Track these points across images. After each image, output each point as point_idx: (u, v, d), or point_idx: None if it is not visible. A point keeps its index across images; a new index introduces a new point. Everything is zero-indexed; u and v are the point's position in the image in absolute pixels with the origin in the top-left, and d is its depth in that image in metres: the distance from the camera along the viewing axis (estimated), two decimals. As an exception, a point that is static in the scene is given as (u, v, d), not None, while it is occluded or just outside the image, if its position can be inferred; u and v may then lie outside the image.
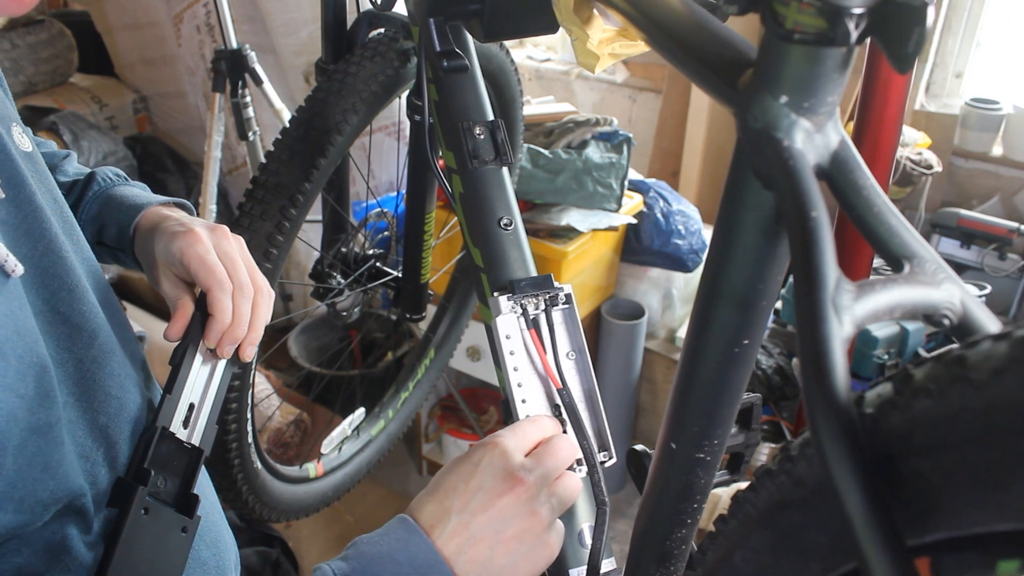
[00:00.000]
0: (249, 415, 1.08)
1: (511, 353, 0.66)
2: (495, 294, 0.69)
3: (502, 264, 0.77)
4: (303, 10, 2.05)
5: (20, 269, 0.49)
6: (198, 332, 0.66)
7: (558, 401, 0.66)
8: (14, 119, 0.60)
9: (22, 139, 0.59)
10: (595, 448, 0.66)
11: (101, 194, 0.76)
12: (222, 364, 0.68)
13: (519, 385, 0.66)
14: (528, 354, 0.67)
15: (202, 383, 0.66)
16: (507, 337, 0.67)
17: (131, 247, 0.72)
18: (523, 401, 0.66)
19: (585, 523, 0.69)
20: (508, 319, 0.67)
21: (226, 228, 0.70)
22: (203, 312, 0.66)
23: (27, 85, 2.36)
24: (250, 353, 0.68)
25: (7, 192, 0.53)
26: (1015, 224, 1.94)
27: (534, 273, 0.77)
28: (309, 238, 1.30)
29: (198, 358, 0.66)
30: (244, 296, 0.66)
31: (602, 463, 0.67)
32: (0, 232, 0.52)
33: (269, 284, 0.70)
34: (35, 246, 0.54)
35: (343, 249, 1.35)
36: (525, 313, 0.68)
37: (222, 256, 0.66)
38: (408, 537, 0.57)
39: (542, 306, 0.69)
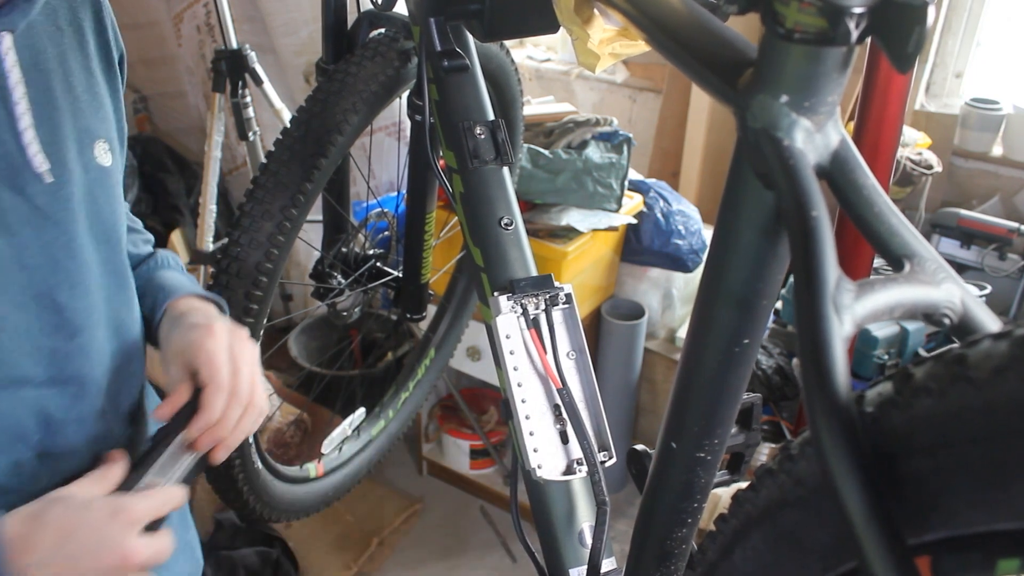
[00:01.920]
0: (249, 415, 1.08)
1: (511, 353, 0.66)
2: (495, 294, 0.69)
3: (502, 264, 0.77)
4: (303, 10, 2.05)
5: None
6: (184, 421, 0.67)
7: (558, 401, 0.66)
8: (100, 135, 0.66)
9: (104, 154, 0.65)
10: (595, 448, 0.66)
11: (152, 271, 0.80)
12: (193, 457, 0.69)
13: (519, 385, 0.66)
14: (528, 354, 0.67)
15: (169, 467, 0.67)
16: (507, 337, 0.67)
17: (156, 327, 0.75)
18: (523, 401, 0.66)
19: (585, 523, 0.69)
20: (508, 319, 0.67)
21: (246, 332, 0.72)
22: (194, 404, 0.67)
23: (27, 85, 2.36)
24: (222, 456, 0.70)
25: (55, 177, 0.59)
26: (1015, 224, 1.94)
27: (534, 273, 0.77)
28: (309, 238, 1.30)
29: (176, 443, 0.67)
30: (238, 403, 0.68)
31: (602, 463, 0.67)
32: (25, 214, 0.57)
33: (264, 401, 0.72)
34: (57, 237, 0.60)
35: (343, 249, 1.35)
36: (525, 313, 0.68)
37: (232, 359, 0.68)
38: None
39: (542, 306, 0.69)
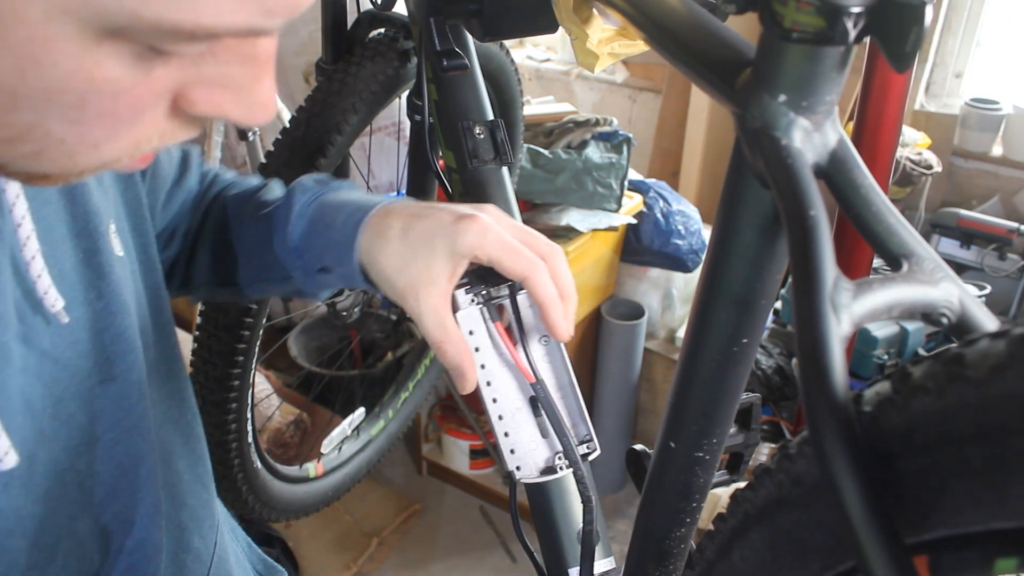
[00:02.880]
0: (249, 415, 1.08)
1: (476, 350, 0.60)
2: (456, 289, 0.61)
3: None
4: (303, 10, 2.05)
5: (12, 459, 0.43)
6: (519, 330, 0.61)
7: (532, 394, 0.62)
8: (112, 215, 0.54)
9: (115, 240, 0.54)
10: (574, 443, 0.62)
11: (304, 214, 0.65)
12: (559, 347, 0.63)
13: (488, 384, 0.61)
14: (496, 348, 0.61)
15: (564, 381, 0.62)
16: (470, 333, 0.60)
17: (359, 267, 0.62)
18: (494, 400, 0.62)
19: (584, 522, 0.69)
20: (469, 313, 0.60)
21: (487, 204, 0.61)
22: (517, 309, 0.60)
23: (27, 85, 2.36)
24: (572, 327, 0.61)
25: (75, 312, 0.48)
26: (1015, 224, 1.94)
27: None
28: (309, 238, 1.30)
29: (541, 354, 0.61)
30: (558, 262, 0.59)
31: (584, 455, 0.62)
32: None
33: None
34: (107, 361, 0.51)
35: (343, 249, 1.35)
36: (488, 303, 0.61)
37: (511, 231, 0.58)
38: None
39: (504, 291, 0.61)
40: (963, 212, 2.01)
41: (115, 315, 0.51)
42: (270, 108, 0.38)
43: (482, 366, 0.61)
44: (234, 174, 0.75)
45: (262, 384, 1.99)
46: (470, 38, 0.88)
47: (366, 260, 0.60)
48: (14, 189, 0.44)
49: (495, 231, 0.56)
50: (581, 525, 0.69)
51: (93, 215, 0.51)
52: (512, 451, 0.62)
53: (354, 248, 0.60)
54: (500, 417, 0.62)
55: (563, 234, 1.78)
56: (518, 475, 0.62)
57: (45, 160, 0.35)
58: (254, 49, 0.36)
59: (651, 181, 2.01)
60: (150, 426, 0.55)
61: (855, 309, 0.34)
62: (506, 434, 0.62)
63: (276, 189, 0.70)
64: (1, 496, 0.43)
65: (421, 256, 0.57)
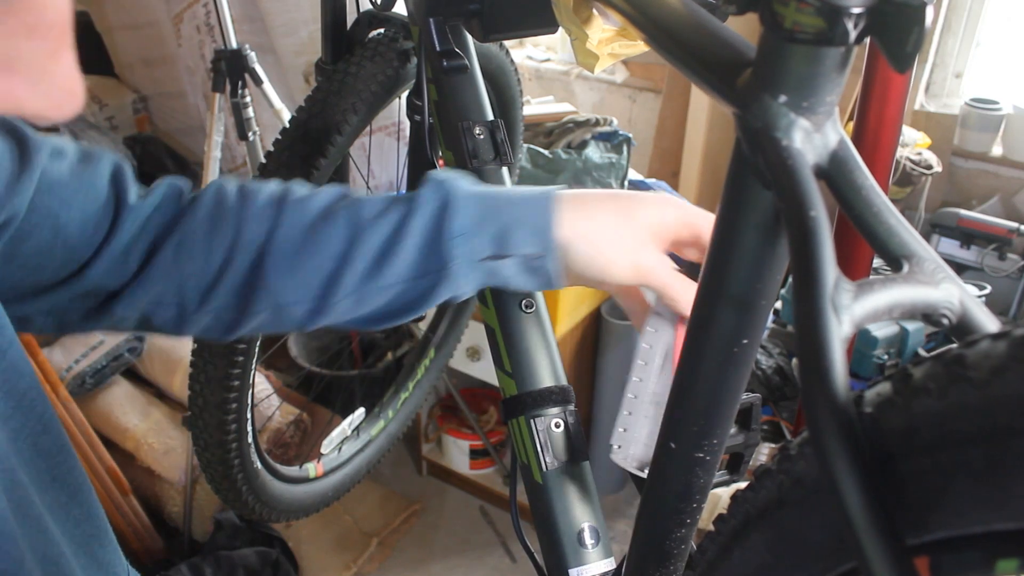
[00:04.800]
0: (249, 415, 1.08)
1: (654, 331, 0.61)
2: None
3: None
4: (303, 10, 2.05)
5: None
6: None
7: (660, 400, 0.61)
8: None
9: None
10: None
11: (469, 198, 0.60)
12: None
13: (643, 363, 0.61)
14: (668, 338, 0.61)
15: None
16: (649, 346, 0.61)
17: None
18: (639, 380, 0.62)
19: (585, 523, 0.69)
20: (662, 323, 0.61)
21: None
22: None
23: (27, 85, 2.36)
24: None
25: None
26: (1015, 224, 1.94)
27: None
28: (309, 238, 1.30)
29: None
30: None
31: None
32: None
33: None
34: None
35: (343, 249, 1.35)
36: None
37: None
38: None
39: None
40: (963, 212, 2.01)
41: None
42: (77, 93, 0.31)
43: (650, 346, 0.62)
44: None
45: (262, 384, 1.99)
46: (470, 38, 0.88)
47: (569, 233, 0.58)
48: None
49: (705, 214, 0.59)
50: (582, 526, 0.69)
51: None
52: (624, 430, 0.63)
53: (551, 222, 0.58)
54: (634, 397, 0.62)
55: (563, 234, 1.78)
56: (614, 452, 0.63)
57: None
58: (41, 16, 0.29)
59: (651, 181, 2.01)
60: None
61: (856, 310, 0.34)
62: (629, 413, 0.63)
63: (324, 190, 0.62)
64: None
65: (640, 222, 0.59)
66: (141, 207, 0.58)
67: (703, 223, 0.59)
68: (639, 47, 0.68)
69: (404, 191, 1.22)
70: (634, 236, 0.59)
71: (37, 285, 0.55)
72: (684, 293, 0.58)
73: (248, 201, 0.59)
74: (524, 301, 0.75)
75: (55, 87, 0.30)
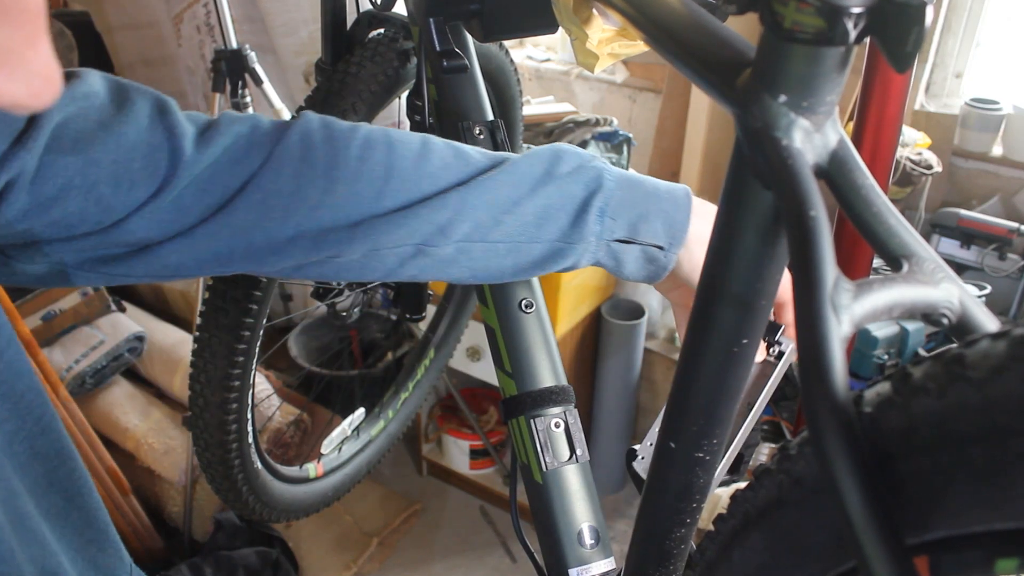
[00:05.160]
0: (249, 415, 1.08)
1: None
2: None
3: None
4: (303, 10, 2.05)
5: None
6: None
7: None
8: None
9: None
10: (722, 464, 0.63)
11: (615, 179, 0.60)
12: None
13: None
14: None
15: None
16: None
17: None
18: None
19: (584, 523, 0.69)
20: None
21: None
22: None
23: (27, 85, 2.36)
24: None
25: None
26: (1015, 224, 1.94)
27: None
28: (309, 238, 1.30)
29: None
30: None
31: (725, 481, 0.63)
32: None
33: None
34: None
35: (343, 249, 1.35)
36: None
37: None
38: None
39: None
40: (963, 212, 2.01)
41: None
42: (54, 81, 0.30)
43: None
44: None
45: (262, 384, 1.99)
46: (470, 38, 0.88)
47: (693, 234, 0.59)
48: None
49: None
50: (582, 526, 0.69)
51: None
52: (651, 444, 0.63)
53: (687, 218, 0.59)
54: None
55: (563, 234, 1.78)
56: (637, 461, 0.64)
57: None
58: (16, 2, 0.28)
59: (651, 181, 2.01)
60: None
61: (855, 310, 0.34)
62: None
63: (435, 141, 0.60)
64: None
65: None
66: (198, 160, 0.53)
67: None
68: (639, 47, 0.68)
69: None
70: None
71: (70, 236, 0.52)
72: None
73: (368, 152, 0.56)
74: (524, 301, 0.75)
75: (32, 75, 0.29)
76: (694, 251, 0.60)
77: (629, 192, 0.59)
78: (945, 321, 0.37)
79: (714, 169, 2.32)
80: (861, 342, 1.75)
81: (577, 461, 0.71)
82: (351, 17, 1.15)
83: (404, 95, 1.08)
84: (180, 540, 2.00)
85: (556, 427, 0.71)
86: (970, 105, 2.11)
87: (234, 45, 1.69)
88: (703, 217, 0.61)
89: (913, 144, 2.05)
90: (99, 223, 0.51)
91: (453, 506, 2.22)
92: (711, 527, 0.50)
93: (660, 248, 0.60)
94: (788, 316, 0.59)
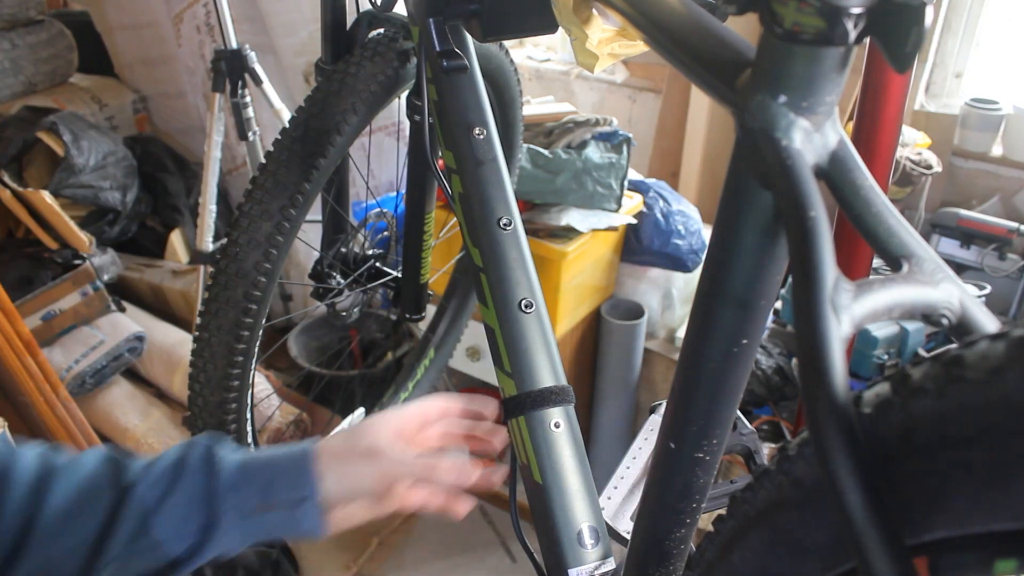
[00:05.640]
0: (249, 415, 1.08)
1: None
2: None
3: (501, 264, 0.77)
4: (303, 10, 2.05)
5: None
6: None
7: None
8: None
9: None
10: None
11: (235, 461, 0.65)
12: None
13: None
14: None
15: None
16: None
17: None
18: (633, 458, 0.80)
19: (584, 523, 0.69)
20: None
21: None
22: None
23: (27, 85, 2.36)
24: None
25: None
26: (1015, 224, 1.94)
27: (532, 273, 0.77)
28: (309, 238, 1.30)
29: None
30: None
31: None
32: None
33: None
34: None
35: (343, 249, 1.35)
36: None
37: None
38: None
39: None
40: (963, 212, 2.01)
41: None
42: None
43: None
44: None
45: (262, 384, 1.99)
46: (470, 38, 0.88)
47: (324, 469, 0.64)
48: None
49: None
50: (581, 526, 0.69)
51: None
52: (609, 498, 0.78)
53: (310, 465, 0.64)
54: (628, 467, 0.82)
55: (563, 234, 1.78)
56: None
57: None
58: None
59: (651, 181, 2.01)
60: None
61: (855, 310, 0.34)
62: (622, 477, 0.82)
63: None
64: None
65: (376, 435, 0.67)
66: None
67: (421, 410, 0.70)
68: (639, 47, 0.68)
69: (403, 191, 1.23)
70: (378, 447, 0.66)
71: None
72: (439, 470, 0.66)
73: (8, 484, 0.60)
74: (524, 301, 0.75)
75: None
76: (335, 480, 0.64)
77: (247, 466, 0.64)
78: (945, 321, 0.37)
79: (714, 169, 2.31)
80: (861, 342, 1.74)
81: (577, 461, 0.70)
82: (351, 17, 1.15)
83: (404, 95, 1.08)
84: (180, 540, 1.99)
85: (556, 427, 0.71)
86: (970, 105, 2.11)
87: (234, 45, 1.69)
88: (333, 456, 0.65)
89: (913, 144, 2.05)
90: None
91: (453, 506, 2.23)
92: (711, 527, 0.49)
93: (303, 498, 0.63)
94: None
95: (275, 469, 0.63)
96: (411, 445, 0.69)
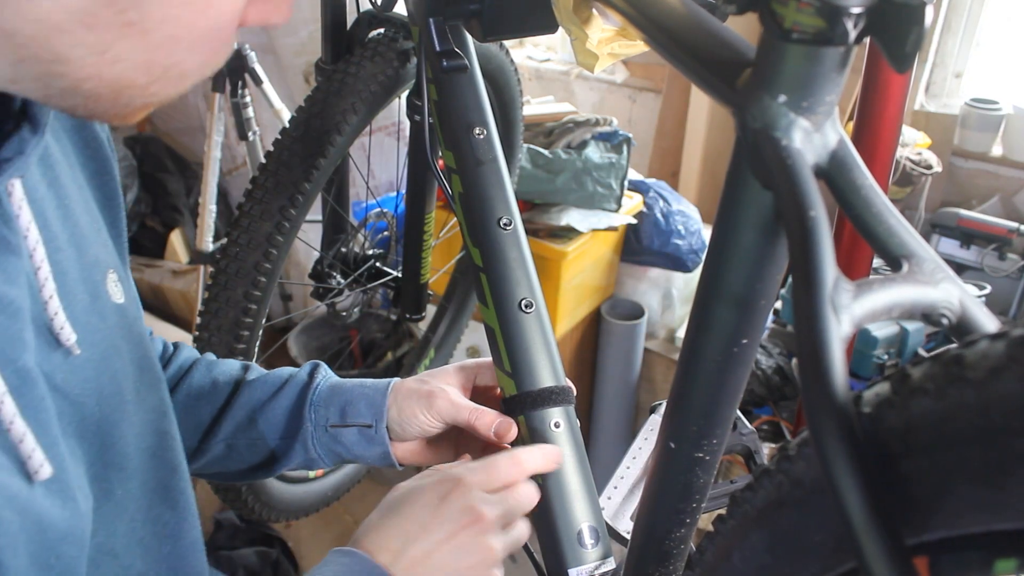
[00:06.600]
0: (249, 415, 1.08)
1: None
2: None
3: (501, 264, 0.77)
4: (303, 10, 2.05)
5: (46, 470, 0.43)
6: None
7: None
8: (112, 265, 0.56)
9: (115, 288, 0.56)
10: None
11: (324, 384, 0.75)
12: None
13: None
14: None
15: None
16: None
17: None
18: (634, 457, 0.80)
19: (584, 523, 0.69)
20: None
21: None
22: None
23: (27, 85, 2.36)
24: None
25: (84, 350, 0.50)
26: (1015, 224, 1.94)
27: (532, 273, 0.77)
28: (309, 238, 1.30)
29: None
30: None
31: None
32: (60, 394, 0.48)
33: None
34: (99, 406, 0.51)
35: (343, 249, 1.36)
36: None
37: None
38: (352, 563, 0.58)
39: None
40: (963, 212, 2.01)
41: (111, 359, 0.53)
42: (291, 8, 0.43)
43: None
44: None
45: (262, 384, 1.99)
46: (470, 38, 0.88)
47: (393, 403, 0.72)
48: (34, 235, 0.46)
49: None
50: (581, 526, 0.69)
51: (95, 265, 0.53)
52: (609, 497, 0.79)
53: (385, 396, 0.71)
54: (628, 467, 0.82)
55: (563, 234, 1.78)
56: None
57: (159, 93, 0.40)
58: None
59: (651, 181, 2.01)
60: (136, 468, 0.55)
61: (855, 310, 0.34)
62: (621, 477, 0.83)
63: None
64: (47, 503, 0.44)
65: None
66: None
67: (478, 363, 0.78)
68: (639, 47, 0.68)
69: (403, 191, 1.23)
70: (437, 391, 0.72)
71: None
72: (483, 420, 0.70)
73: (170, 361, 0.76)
74: (524, 301, 0.75)
75: (284, 5, 0.42)
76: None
77: (335, 387, 0.73)
78: (945, 321, 0.37)
79: (714, 169, 2.31)
80: (861, 342, 1.74)
81: (577, 461, 0.70)
82: (351, 17, 1.15)
83: (404, 95, 1.08)
84: (180, 540, 1.99)
85: (556, 427, 0.71)
86: (970, 105, 2.11)
87: (234, 45, 1.69)
88: (402, 388, 0.73)
89: (913, 144, 2.05)
90: None
91: (453, 506, 2.22)
92: (711, 527, 0.49)
93: (371, 425, 0.71)
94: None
95: (356, 395, 0.72)
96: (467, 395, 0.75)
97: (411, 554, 0.59)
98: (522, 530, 0.65)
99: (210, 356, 0.79)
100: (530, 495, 0.65)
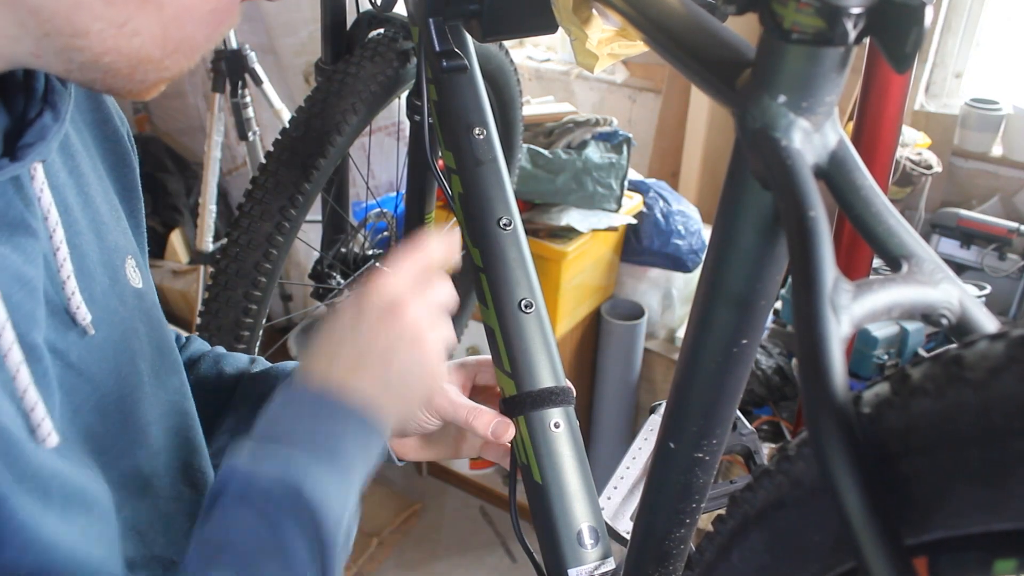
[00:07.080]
0: (249, 415, 1.08)
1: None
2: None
3: (501, 265, 0.77)
4: (303, 10, 2.05)
5: (54, 439, 0.44)
6: None
7: None
8: (131, 252, 0.58)
9: (134, 274, 0.57)
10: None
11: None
12: None
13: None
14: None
15: None
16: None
17: None
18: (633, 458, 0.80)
19: (584, 523, 0.69)
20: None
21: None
22: None
23: (27, 85, 2.36)
24: None
25: (102, 330, 0.51)
26: (1015, 224, 1.94)
27: (532, 273, 0.77)
28: (309, 238, 1.30)
29: None
30: None
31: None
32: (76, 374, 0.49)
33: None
34: (118, 388, 0.52)
35: (343, 249, 1.35)
36: None
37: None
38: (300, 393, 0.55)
39: None
40: (963, 212, 2.01)
41: (130, 339, 0.55)
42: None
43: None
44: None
45: (262, 384, 1.99)
46: (470, 38, 0.88)
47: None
48: (54, 218, 0.47)
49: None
50: (581, 526, 0.69)
51: (114, 250, 0.55)
52: (608, 498, 0.77)
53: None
54: (628, 467, 0.80)
55: (563, 234, 1.78)
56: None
57: (172, 67, 0.44)
58: None
59: (651, 181, 2.01)
60: (157, 449, 0.57)
61: (855, 310, 0.34)
62: (621, 477, 0.80)
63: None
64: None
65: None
66: None
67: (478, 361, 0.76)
68: (639, 47, 0.69)
69: (403, 191, 1.22)
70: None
71: None
72: (480, 419, 0.70)
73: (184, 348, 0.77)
74: (524, 301, 0.75)
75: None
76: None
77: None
78: (944, 322, 0.37)
79: (714, 169, 2.31)
80: (861, 342, 1.74)
81: (577, 461, 0.71)
82: (351, 17, 1.15)
83: (404, 95, 1.08)
84: (180, 540, 1.99)
85: (556, 427, 0.71)
86: (970, 105, 2.11)
87: (234, 45, 1.69)
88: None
89: (913, 144, 2.05)
90: None
91: (453, 506, 2.22)
92: (710, 527, 0.49)
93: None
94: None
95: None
96: (465, 392, 0.74)
97: (342, 362, 0.55)
98: (442, 295, 0.59)
99: (220, 349, 0.79)
100: (445, 288, 0.59)
